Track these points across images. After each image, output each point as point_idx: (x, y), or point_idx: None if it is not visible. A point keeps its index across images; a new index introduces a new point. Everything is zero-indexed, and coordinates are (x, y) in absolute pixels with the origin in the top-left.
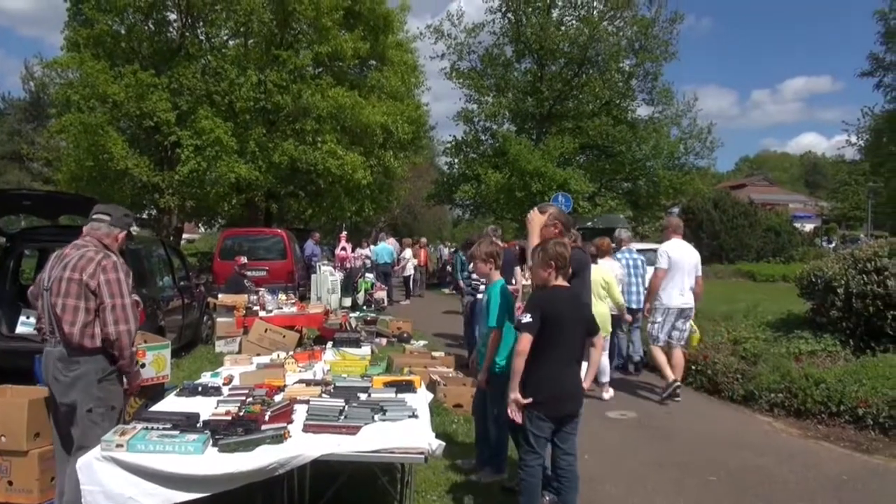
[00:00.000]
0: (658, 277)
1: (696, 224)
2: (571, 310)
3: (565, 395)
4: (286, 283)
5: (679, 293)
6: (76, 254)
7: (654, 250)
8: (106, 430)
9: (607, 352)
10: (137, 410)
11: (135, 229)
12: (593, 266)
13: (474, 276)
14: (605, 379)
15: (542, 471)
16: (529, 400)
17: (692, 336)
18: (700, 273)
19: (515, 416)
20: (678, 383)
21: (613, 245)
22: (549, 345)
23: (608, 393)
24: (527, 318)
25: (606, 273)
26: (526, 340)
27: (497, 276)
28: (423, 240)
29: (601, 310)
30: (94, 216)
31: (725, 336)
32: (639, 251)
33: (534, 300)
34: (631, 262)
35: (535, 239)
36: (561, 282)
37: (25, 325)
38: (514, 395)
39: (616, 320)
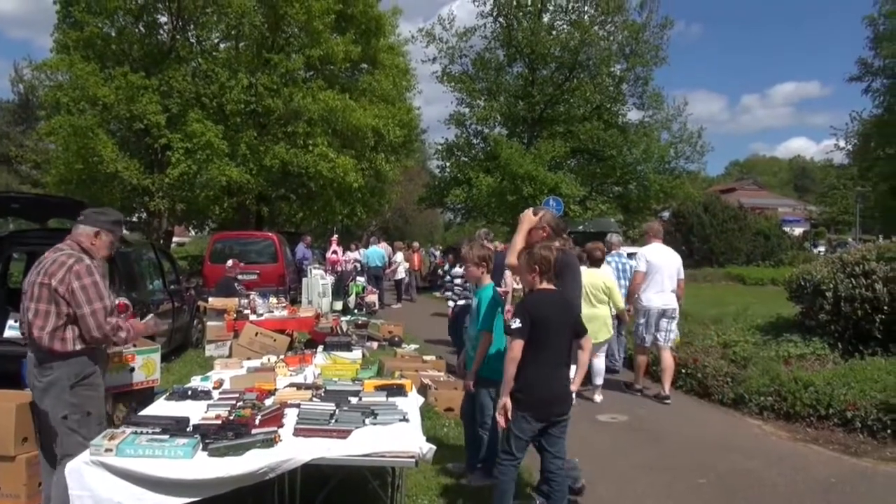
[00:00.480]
0: (636, 280)
1: (687, 228)
2: (558, 312)
3: (554, 397)
4: (277, 286)
5: (658, 294)
6: (51, 258)
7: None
8: (84, 436)
9: (604, 355)
10: (126, 415)
11: (124, 232)
12: (595, 270)
13: (457, 281)
14: (599, 381)
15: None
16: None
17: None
18: (682, 276)
19: (502, 420)
20: (640, 391)
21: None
22: (536, 348)
23: (600, 396)
24: (516, 324)
25: (608, 278)
26: (518, 346)
27: (488, 280)
28: (416, 244)
29: (602, 313)
30: (77, 219)
31: (715, 339)
32: (629, 255)
33: (522, 305)
34: (620, 266)
35: (519, 238)
36: (546, 285)
37: (13, 329)
38: (505, 399)
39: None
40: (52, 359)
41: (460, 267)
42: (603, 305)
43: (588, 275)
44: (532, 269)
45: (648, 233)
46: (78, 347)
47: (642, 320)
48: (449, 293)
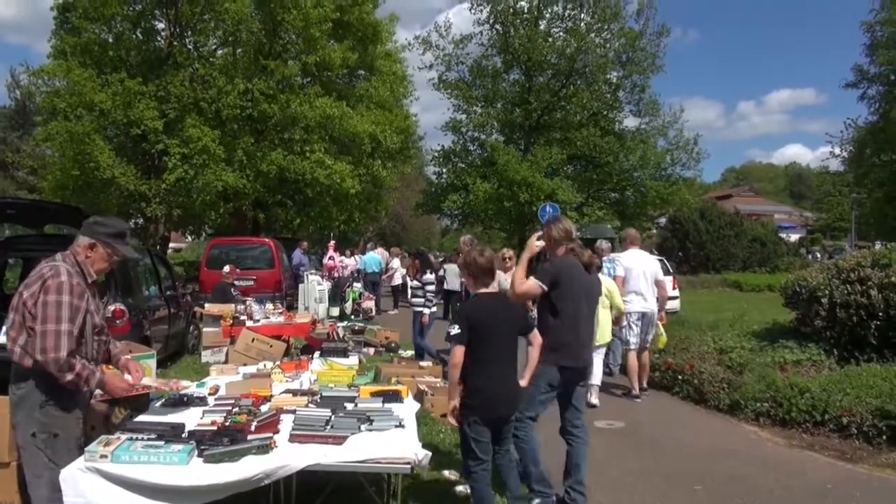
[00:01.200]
0: (616, 285)
1: (683, 234)
2: (498, 315)
3: (498, 398)
4: (273, 292)
5: (640, 298)
6: (37, 268)
7: None
8: (50, 457)
9: (602, 357)
10: (122, 421)
11: (128, 246)
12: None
13: (429, 288)
14: (597, 382)
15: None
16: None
17: (659, 338)
18: (662, 279)
19: (452, 421)
20: (638, 397)
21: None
22: (478, 352)
23: (596, 398)
24: (455, 330)
25: (609, 282)
26: (458, 352)
27: None
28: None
29: (602, 317)
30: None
31: (711, 345)
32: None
33: (460, 311)
34: (610, 272)
35: (520, 270)
36: (484, 290)
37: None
38: (453, 403)
39: None
40: (24, 374)
41: (430, 273)
42: (604, 310)
43: None
44: (462, 271)
45: (626, 239)
46: None
47: (624, 323)
48: (419, 300)
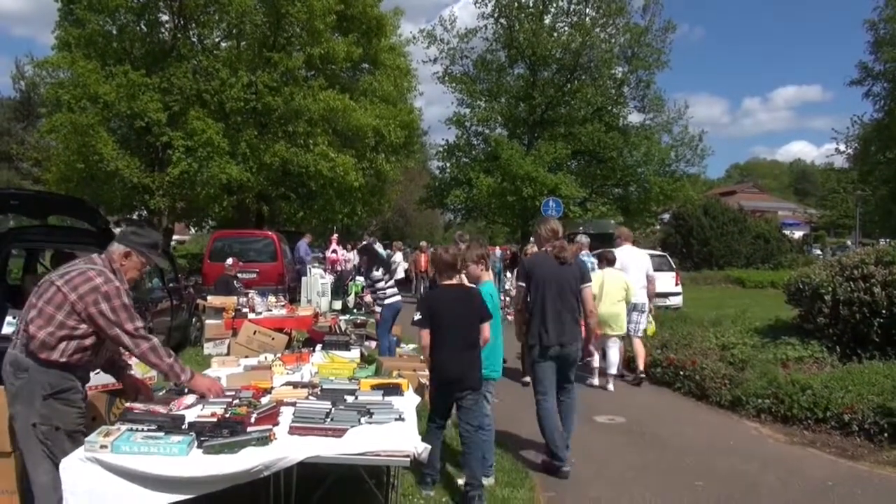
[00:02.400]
0: None
1: (687, 230)
2: (455, 302)
3: (456, 377)
4: (276, 285)
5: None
6: (79, 268)
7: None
8: (50, 448)
9: (617, 346)
10: (122, 412)
11: (158, 257)
12: (613, 271)
13: (379, 284)
14: (614, 371)
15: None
16: None
17: (648, 326)
18: (651, 275)
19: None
20: (620, 377)
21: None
22: (439, 335)
23: (612, 385)
24: (417, 317)
25: (629, 278)
26: (424, 335)
27: (487, 277)
28: (424, 244)
29: (618, 311)
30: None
31: (714, 341)
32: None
33: (422, 300)
34: (589, 266)
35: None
36: (447, 281)
37: (11, 326)
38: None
39: None
40: (32, 363)
41: (378, 270)
42: (620, 303)
43: (608, 275)
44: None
45: (620, 236)
46: (62, 360)
47: None
48: (374, 294)
